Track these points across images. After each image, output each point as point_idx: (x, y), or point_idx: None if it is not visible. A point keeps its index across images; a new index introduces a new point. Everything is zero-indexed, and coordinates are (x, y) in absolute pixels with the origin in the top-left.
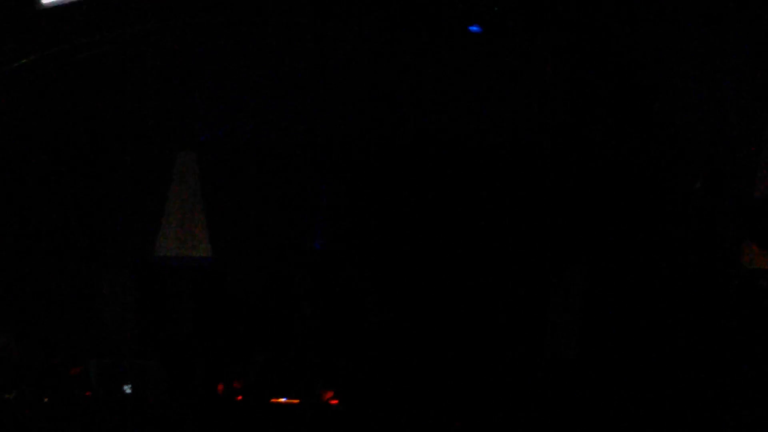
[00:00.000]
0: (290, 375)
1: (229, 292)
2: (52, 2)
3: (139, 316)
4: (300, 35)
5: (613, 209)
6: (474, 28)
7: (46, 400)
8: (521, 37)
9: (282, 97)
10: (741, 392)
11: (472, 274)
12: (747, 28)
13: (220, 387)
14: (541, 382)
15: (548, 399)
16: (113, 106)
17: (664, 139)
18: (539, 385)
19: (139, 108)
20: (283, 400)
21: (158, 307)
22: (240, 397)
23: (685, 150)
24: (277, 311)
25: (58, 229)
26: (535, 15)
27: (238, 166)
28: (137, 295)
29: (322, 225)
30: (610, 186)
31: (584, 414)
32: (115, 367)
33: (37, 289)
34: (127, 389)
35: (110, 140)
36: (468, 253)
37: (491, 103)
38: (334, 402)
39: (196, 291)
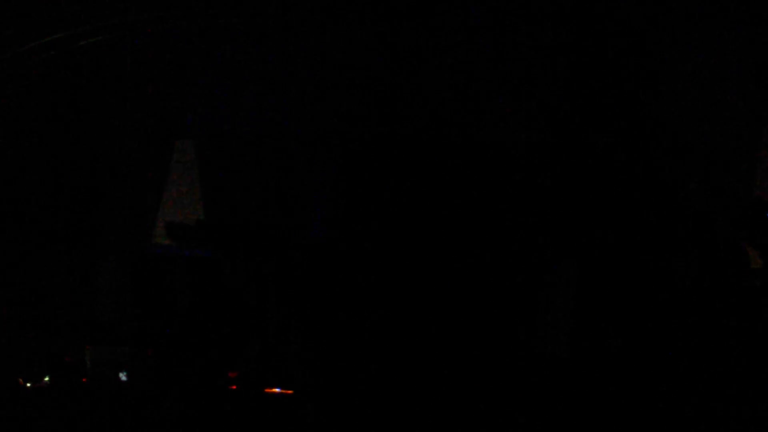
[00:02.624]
0: (285, 366)
1: (226, 282)
2: None
3: (135, 305)
4: (302, 25)
5: (605, 205)
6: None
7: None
8: (519, 34)
9: (282, 87)
10: (737, 391)
11: (462, 269)
12: (748, 28)
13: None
14: (531, 380)
15: (539, 398)
16: (111, 95)
17: (661, 136)
18: (530, 384)
19: (137, 96)
20: (277, 390)
21: (154, 296)
22: (234, 387)
23: (682, 148)
24: (274, 301)
25: (55, 218)
26: (535, 12)
27: (236, 155)
28: (133, 284)
29: (320, 217)
30: (602, 181)
31: (576, 413)
32: (111, 354)
33: (33, 278)
34: (123, 377)
35: (107, 129)
36: (458, 249)
37: (486, 100)
38: (327, 393)
39: (193, 280)
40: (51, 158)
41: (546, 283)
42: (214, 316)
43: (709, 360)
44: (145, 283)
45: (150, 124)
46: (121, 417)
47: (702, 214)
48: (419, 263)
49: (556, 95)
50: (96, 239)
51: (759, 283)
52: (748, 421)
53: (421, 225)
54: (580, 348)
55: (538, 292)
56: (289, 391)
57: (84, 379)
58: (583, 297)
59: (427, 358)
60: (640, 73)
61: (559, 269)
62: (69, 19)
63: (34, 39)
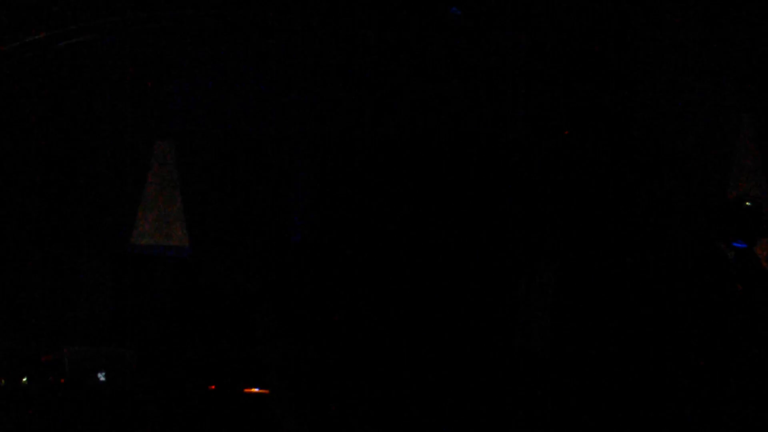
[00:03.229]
0: (263, 365)
1: (206, 282)
2: None
3: (114, 305)
4: (282, 27)
5: (585, 205)
6: (454, 10)
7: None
8: (502, 34)
9: (262, 88)
10: (716, 388)
11: (443, 270)
12: (725, 31)
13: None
14: (512, 380)
15: (520, 397)
16: (91, 95)
17: (638, 138)
18: (511, 383)
19: (117, 96)
20: (255, 390)
21: (134, 296)
22: (213, 387)
23: (659, 149)
24: (253, 301)
25: (35, 217)
26: (521, 12)
27: (216, 155)
28: (113, 284)
29: (300, 217)
30: (582, 182)
31: (557, 412)
32: (90, 354)
33: (13, 278)
34: (101, 377)
35: (87, 128)
36: (439, 249)
37: (469, 100)
38: (307, 392)
39: (173, 280)
40: (30, 158)
41: (527, 283)
42: (194, 315)
43: (688, 358)
44: (125, 283)
45: (130, 124)
46: (99, 417)
47: (679, 215)
48: (401, 264)
49: (539, 99)
50: (75, 239)
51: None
52: (728, 418)
53: (403, 225)
54: (560, 347)
55: (519, 292)
56: (266, 391)
57: (62, 380)
58: (564, 297)
59: (408, 356)
60: (620, 77)
61: (540, 269)
62: (48, 20)
63: (13, 40)
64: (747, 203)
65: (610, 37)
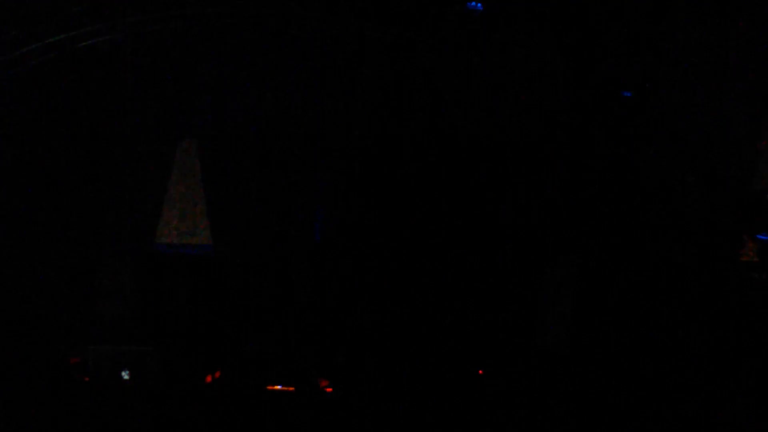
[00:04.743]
0: (286, 363)
1: (229, 280)
2: None
3: (138, 303)
4: (303, 27)
5: (605, 200)
6: (472, 5)
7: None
8: (518, 33)
9: (284, 88)
10: (734, 386)
11: (464, 266)
12: (747, 23)
13: (209, 378)
14: (531, 376)
15: (539, 394)
16: (114, 94)
17: (660, 131)
18: (529, 380)
19: (140, 96)
20: (278, 387)
21: (157, 294)
22: (236, 384)
23: (681, 142)
24: (276, 299)
25: (59, 217)
26: (535, 11)
27: (238, 154)
28: (137, 282)
29: (322, 216)
30: (602, 177)
31: (575, 409)
32: (113, 353)
33: (37, 277)
34: (125, 375)
35: (111, 128)
36: (460, 245)
37: (485, 97)
38: (329, 390)
39: (196, 278)
40: (53, 158)
41: (546, 280)
42: (216, 313)
43: (707, 355)
44: (148, 282)
45: (153, 124)
46: (123, 415)
47: (701, 207)
48: (420, 262)
49: (557, 94)
50: (99, 238)
51: (757, 275)
52: (746, 418)
53: (422, 224)
54: (579, 344)
55: (539, 289)
56: (291, 388)
57: (86, 378)
58: (583, 294)
59: (426, 353)
60: (638, 70)
61: (560, 266)
62: (69, 20)
63: (35, 41)
64: None
65: (629, 31)
